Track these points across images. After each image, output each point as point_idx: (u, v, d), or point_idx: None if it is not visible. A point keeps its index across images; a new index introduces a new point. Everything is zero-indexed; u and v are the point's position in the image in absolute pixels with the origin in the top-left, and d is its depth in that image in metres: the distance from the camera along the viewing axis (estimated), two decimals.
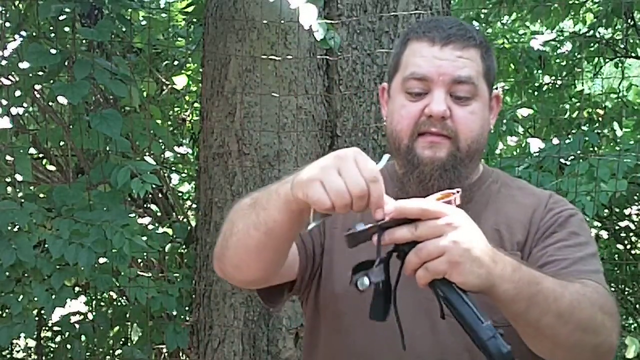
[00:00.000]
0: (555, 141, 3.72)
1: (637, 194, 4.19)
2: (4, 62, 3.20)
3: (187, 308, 3.39)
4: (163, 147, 3.68)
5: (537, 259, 1.34)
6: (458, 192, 1.16)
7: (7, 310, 3.60)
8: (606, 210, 4.30)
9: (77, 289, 3.85)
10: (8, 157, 3.18)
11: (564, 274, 1.27)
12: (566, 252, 1.34)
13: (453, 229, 1.09)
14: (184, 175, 4.80)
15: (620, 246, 5.22)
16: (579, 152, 3.43)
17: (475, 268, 1.09)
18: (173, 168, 4.61)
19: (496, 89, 1.51)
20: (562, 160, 3.45)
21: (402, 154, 1.35)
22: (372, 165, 1.10)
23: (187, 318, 3.35)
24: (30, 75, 3.16)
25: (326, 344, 1.43)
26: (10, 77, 3.25)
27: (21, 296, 3.06)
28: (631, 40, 5.11)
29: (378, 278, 1.10)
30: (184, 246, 3.59)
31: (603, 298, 1.25)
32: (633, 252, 5.21)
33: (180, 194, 4.83)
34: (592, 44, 5.06)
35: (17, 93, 3.23)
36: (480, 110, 1.36)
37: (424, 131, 1.33)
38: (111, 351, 3.94)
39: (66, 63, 3.05)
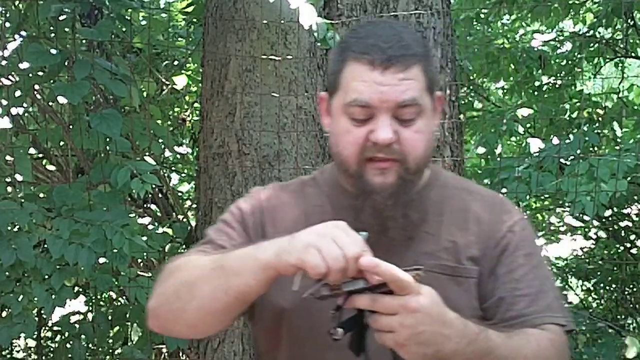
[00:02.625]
0: (555, 141, 3.71)
1: (637, 194, 4.19)
2: (4, 62, 3.20)
3: None
4: (163, 147, 3.68)
5: (500, 286, 1.38)
6: (421, 269, 1.18)
7: (7, 310, 3.59)
8: (607, 211, 4.30)
9: (77, 289, 3.85)
10: (8, 157, 3.18)
11: (527, 320, 1.34)
12: (526, 283, 1.38)
13: (406, 312, 1.13)
14: (183, 175, 4.80)
15: (620, 246, 5.22)
16: (579, 152, 3.43)
17: (422, 349, 1.15)
18: (173, 168, 4.62)
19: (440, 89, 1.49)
20: (562, 160, 3.44)
21: (352, 177, 1.35)
22: (360, 238, 1.17)
23: None
24: (30, 75, 3.15)
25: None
26: (10, 77, 3.24)
27: (21, 296, 3.06)
28: (631, 40, 5.11)
29: (349, 329, 1.18)
30: (184, 246, 3.59)
31: (556, 351, 1.33)
32: (633, 252, 5.21)
33: (180, 194, 4.83)
34: (592, 44, 5.06)
35: (17, 93, 3.23)
36: (425, 125, 1.34)
37: (371, 157, 1.31)
38: (111, 351, 3.94)
39: (66, 63, 3.04)
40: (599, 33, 5.11)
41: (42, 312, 3.55)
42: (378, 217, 1.33)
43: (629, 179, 3.28)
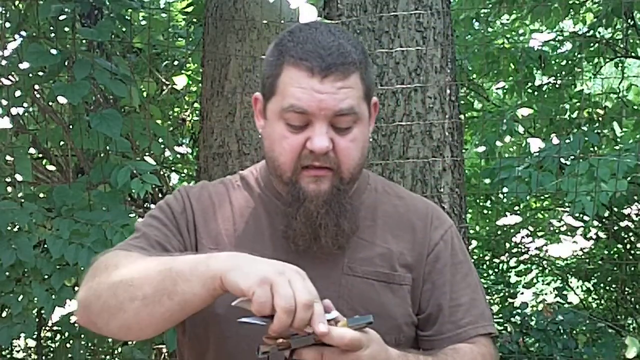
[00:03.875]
0: (555, 141, 3.71)
1: (637, 194, 4.19)
2: (4, 62, 3.20)
3: None
4: (163, 147, 3.68)
5: (438, 295, 1.41)
6: (371, 322, 1.18)
7: (7, 310, 3.60)
8: (607, 211, 4.30)
9: (77, 289, 3.85)
10: (8, 157, 3.18)
11: (463, 332, 1.39)
12: (460, 292, 1.41)
13: None
14: (183, 175, 4.81)
15: (620, 246, 5.22)
16: (579, 152, 3.43)
17: None
18: (173, 168, 4.62)
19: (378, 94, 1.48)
20: (562, 160, 3.44)
21: (286, 183, 1.33)
22: (313, 289, 1.12)
23: None
24: (30, 75, 3.16)
25: None
26: (10, 77, 3.24)
27: (21, 296, 3.06)
28: (631, 40, 5.11)
29: None
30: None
31: None
32: (633, 252, 5.21)
33: None
34: (592, 44, 5.07)
35: (17, 93, 3.23)
36: (360, 133, 1.32)
37: (307, 165, 1.30)
38: (111, 351, 3.94)
39: (66, 63, 3.04)
40: (599, 33, 5.12)
41: (42, 312, 3.54)
42: (310, 225, 1.32)
43: (629, 179, 3.28)
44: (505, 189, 3.55)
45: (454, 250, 1.44)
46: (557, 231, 5.44)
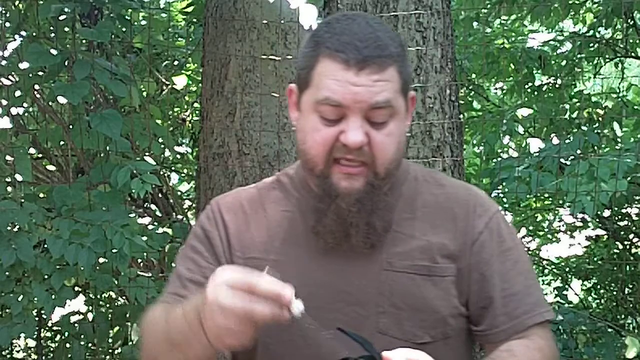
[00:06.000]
0: (555, 141, 3.72)
1: (637, 194, 4.19)
2: (4, 62, 3.20)
3: None
4: (163, 147, 3.68)
5: (489, 287, 1.36)
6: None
7: (7, 310, 3.60)
8: (607, 210, 4.30)
9: (77, 289, 3.86)
10: (8, 157, 3.18)
11: (518, 323, 1.34)
12: (512, 281, 1.36)
13: None
14: (183, 175, 4.81)
15: (620, 246, 5.22)
16: (579, 152, 3.43)
17: None
18: (173, 168, 4.62)
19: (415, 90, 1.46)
20: (562, 160, 3.44)
21: (317, 177, 1.30)
22: (233, 275, 1.11)
23: None
24: (30, 75, 3.16)
25: None
26: (10, 77, 3.24)
27: (21, 296, 3.06)
28: (631, 40, 5.11)
29: None
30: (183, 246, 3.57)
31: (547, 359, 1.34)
32: (633, 251, 5.22)
33: (180, 194, 4.83)
34: (592, 44, 5.06)
35: (17, 93, 3.23)
36: (397, 128, 1.28)
37: (340, 157, 1.27)
38: (111, 351, 3.94)
39: (66, 63, 3.04)
40: (599, 33, 5.11)
41: (42, 312, 3.54)
42: (341, 224, 1.29)
43: (629, 178, 3.28)
44: (499, 188, 3.55)
45: (501, 237, 1.38)
46: (556, 231, 5.44)
